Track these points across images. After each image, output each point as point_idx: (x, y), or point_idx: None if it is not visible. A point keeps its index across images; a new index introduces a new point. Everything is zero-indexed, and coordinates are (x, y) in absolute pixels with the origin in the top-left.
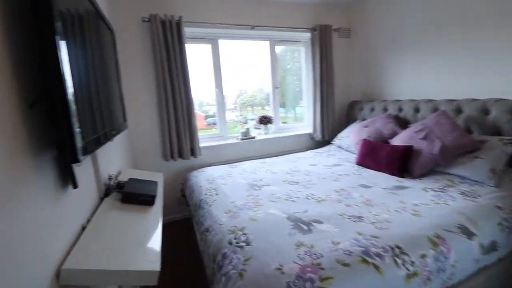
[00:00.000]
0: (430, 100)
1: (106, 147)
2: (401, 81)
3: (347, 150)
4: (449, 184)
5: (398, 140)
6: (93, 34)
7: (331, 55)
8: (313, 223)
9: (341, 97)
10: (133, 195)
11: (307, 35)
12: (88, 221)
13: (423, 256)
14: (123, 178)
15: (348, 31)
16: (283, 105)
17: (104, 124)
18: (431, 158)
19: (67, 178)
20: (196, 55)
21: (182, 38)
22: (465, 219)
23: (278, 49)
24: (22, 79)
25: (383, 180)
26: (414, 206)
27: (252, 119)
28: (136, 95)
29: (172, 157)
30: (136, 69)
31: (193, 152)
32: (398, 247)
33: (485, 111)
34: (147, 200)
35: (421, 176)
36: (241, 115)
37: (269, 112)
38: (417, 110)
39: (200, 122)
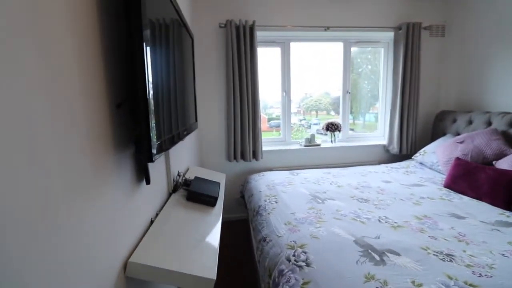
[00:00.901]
0: None
1: (178, 145)
2: (510, 89)
3: (431, 169)
4: None
5: (508, 163)
6: (175, 40)
7: (418, 57)
8: (387, 253)
9: (427, 105)
10: (197, 194)
11: (389, 35)
12: (157, 215)
13: None
14: (190, 175)
15: (442, 29)
16: (350, 111)
17: (178, 125)
18: None
19: (142, 174)
20: (266, 58)
21: (254, 42)
22: None
23: (352, 51)
24: (111, 81)
25: (482, 211)
26: None
27: (316, 124)
28: (207, 96)
29: (235, 158)
30: (209, 72)
31: (255, 155)
32: None
33: None
34: (209, 201)
35: None
36: (304, 119)
37: (335, 118)
38: None
39: (263, 124)
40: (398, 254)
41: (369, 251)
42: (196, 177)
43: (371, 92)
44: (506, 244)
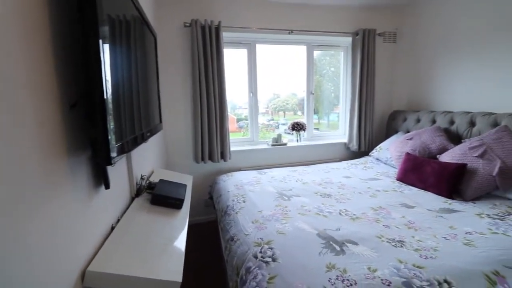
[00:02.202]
0: (489, 113)
1: (141, 147)
2: (453, 91)
3: (386, 164)
4: (509, 211)
5: (449, 157)
6: (136, 39)
7: (373, 61)
8: (346, 244)
9: (382, 106)
10: (162, 197)
11: (347, 40)
12: (118, 221)
13: None
14: (155, 178)
15: (393, 36)
16: (316, 111)
17: (141, 126)
18: (488, 179)
19: (101, 179)
20: (232, 59)
21: (220, 43)
22: None
23: (315, 53)
24: (65, 79)
25: (428, 200)
26: (466, 234)
27: (283, 124)
28: (172, 97)
29: (203, 159)
30: (174, 72)
31: (223, 156)
32: (447, 282)
33: None
34: (175, 204)
35: (475, 199)
36: (272, 120)
37: (301, 118)
38: (472, 123)
39: (232, 125)
40: (356, 244)
41: (331, 242)
42: (161, 180)
43: (334, 93)
44: (448, 229)
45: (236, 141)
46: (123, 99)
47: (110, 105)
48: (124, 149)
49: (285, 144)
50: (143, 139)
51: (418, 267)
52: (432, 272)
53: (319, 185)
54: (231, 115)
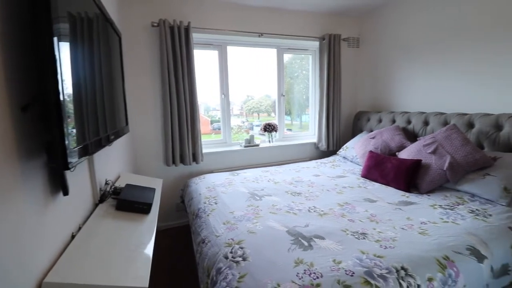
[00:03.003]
0: (440, 113)
1: (105, 151)
2: (410, 93)
3: (352, 161)
4: (458, 201)
5: (406, 154)
6: (99, 38)
7: (339, 65)
8: (314, 239)
9: (348, 107)
10: (128, 202)
11: (315, 44)
12: (79, 228)
13: (430, 280)
14: (121, 183)
15: (357, 41)
16: (289, 112)
17: (106, 128)
18: (440, 173)
19: (58, 185)
20: (204, 61)
21: (190, 44)
22: (476, 240)
23: (287, 56)
24: (17, 80)
25: (389, 194)
26: (421, 224)
27: (257, 125)
28: (141, 98)
29: (174, 162)
30: (142, 73)
31: (195, 158)
32: (404, 269)
33: (498, 127)
34: (142, 208)
35: (429, 192)
36: (247, 121)
37: (275, 119)
38: (426, 123)
39: (206, 127)
40: (323, 238)
41: (299, 238)
42: (127, 185)
43: (306, 95)
44: (406, 220)
45: (209, 143)
46: (84, 99)
47: (67, 107)
48: (85, 153)
49: (257, 145)
50: (108, 141)
51: (378, 256)
52: (390, 260)
53: (290, 184)
54: (204, 117)
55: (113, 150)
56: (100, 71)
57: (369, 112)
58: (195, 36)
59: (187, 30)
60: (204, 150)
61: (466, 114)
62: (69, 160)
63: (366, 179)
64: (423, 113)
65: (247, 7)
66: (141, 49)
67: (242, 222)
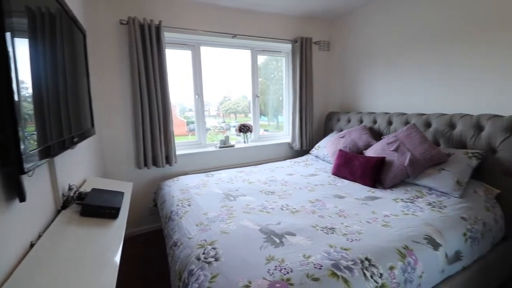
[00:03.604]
0: (402, 114)
1: (69, 154)
2: (376, 94)
3: (324, 160)
4: (417, 195)
5: (372, 152)
6: (62, 35)
7: (310, 67)
8: (285, 236)
9: (320, 107)
10: (94, 207)
11: (288, 46)
12: (39, 237)
13: (391, 268)
14: (87, 188)
15: (327, 44)
16: (266, 113)
17: (70, 129)
18: (401, 169)
19: (13, 190)
20: (178, 60)
21: (161, 43)
22: (432, 230)
23: (263, 58)
24: None
25: (356, 190)
26: (384, 217)
27: (235, 126)
28: (110, 99)
29: (146, 165)
30: (111, 72)
31: (168, 160)
32: (368, 259)
33: (452, 126)
34: (110, 213)
35: (393, 187)
36: (224, 122)
37: (251, 120)
38: (390, 122)
39: (182, 128)
40: (294, 235)
41: (271, 236)
42: (93, 189)
43: (282, 96)
44: (371, 214)
45: (183, 144)
46: (45, 99)
47: (25, 107)
48: (45, 156)
49: (232, 146)
50: (72, 144)
51: (345, 249)
52: (356, 252)
53: (264, 183)
54: (180, 118)
55: (78, 153)
56: (63, 70)
57: (339, 113)
58: (167, 36)
59: (158, 29)
60: (178, 152)
61: (424, 114)
62: (26, 164)
63: (336, 177)
64: (387, 113)
65: (220, 7)
66: (109, 48)
67: (216, 222)
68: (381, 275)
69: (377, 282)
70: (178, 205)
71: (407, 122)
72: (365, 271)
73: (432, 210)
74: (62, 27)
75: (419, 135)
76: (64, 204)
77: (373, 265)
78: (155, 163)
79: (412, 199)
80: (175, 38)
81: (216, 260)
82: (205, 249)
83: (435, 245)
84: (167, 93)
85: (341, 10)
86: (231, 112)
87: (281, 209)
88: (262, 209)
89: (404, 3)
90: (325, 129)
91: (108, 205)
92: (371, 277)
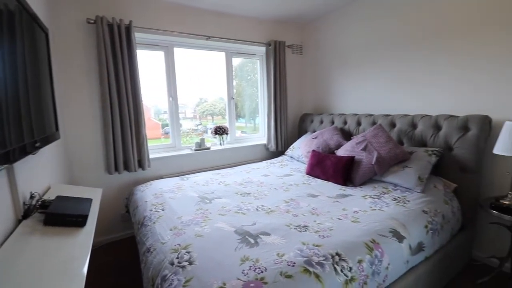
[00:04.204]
0: (370, 115)
1: (30, 160)
2: (346, 96)
3: (298, 160)
4: (384, 191)
5: (343, 151)
6: (22, 33)
7: (284, 70)
8: (260, 236)
9: (294, 109)
10: (59, 216)
11: (262, 49)
12: None
13: (360, 261)
14: (51, 196)
15: (300, 48)
16: (243, 115)
17: (32, 134)
18: (369, 168)
19: None
20: (152, 62)
21: (132, 44)
22: (397, 223)
23: (239, 60)
24: None
25: (329, 189)
26: (354, 214)
27: (211, 129)
28: (77, 101)
29: (117, 169)
30: (78, 73)
31: (141, 164)
32: (338, 254)
33: (414, 125)
34: (76, 221)
35: (362, 184)
36: (201, 124)
37: (227, 122)
38: (359, 123)
39: (156, 131)
40: (268, 234)
41: (246, 237)
42: (58, 197)
43: (259, 98)
44: (342, 210)
45: (157, 147)
46: (3, 101)
47: None
48: (2, 162)
49: (208, 148)
50: (33, 149)
51: (317, 246)
52: (327, 248)
53: (240, 185)
54: (155, 120)
55: (41, 158)
56: (23, 69)
57: (313, 114)
58: (139, 36)
59: (128, 29)
60: (152, 155)
61: (389, 115)
62: None
63: (310, 176)
64: (357, 114)
65: (194, 9)
66: (75, 48)
67: (190, 226)
68: (350, 269)
69: (347, 276)
70: (151, 210)
71: (374, 123)
72: (335, 265)
73: (397, 205)
74: (22, 25)
75: (385, 135)
76: (26, 213)
77: (343, 260)
78: (127, 167)
79: (379, 195)
80: (147, 38)
81: (190, 263)
82: (179, 254)
83: (400, 238)
84: (139, 95)
85: (313, 15)
86: (208, 114)
87: (257, 209)
88: (237, 210)
89: (371, 12)
90: (300, 130)
91: (74, 212)
92: (341, 271)
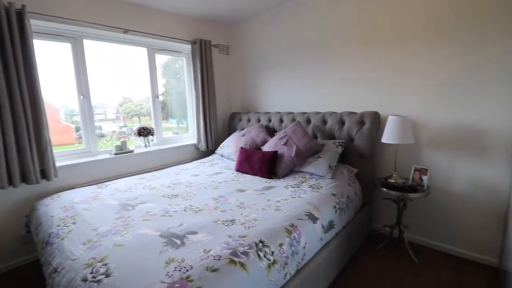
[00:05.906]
0: (290, 112)
1: None
2: (270, 96)
3: (228, 158)
4: (302, 180)
5: (267, 147)
6: None
7: (211, 69)
8: (187, 236)
9: (223, 108)
10: None
11: (187, 47)
12: None
13: (280, 245)
14: None
15: (227, 48)
16: (173, 115)
17: None
18: (290, 160)
19: None
20: (59, 55)
21: (26, 32)
22: (312, 207)
23: (166, 57)
24: None
25: (256, 183)
26: (277, 203)
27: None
28: None
29: (11, 183)
30: None
31: (45, 174)
32: (261, 241)
33: (324, 121)
34: None
35: (285, 176)
36: (126, 126)
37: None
38: (281, 120)
39: (69, 135)
40: (195, 233)
41: (172, 238)
42: None
43: (187, 97)
44: (266, 201)
45: (68, 153)
46: None
47: None
48: None
49: (131, 151)
50: None
51: (242, 236)
52: (252, 237)
53: (168, 187)
54: (65, 123)
55: None
56: None
57: (241, 113)
58: (37, 24)
59: (20, 15)
60: (61, 163)
61: (306, 113)
62: None
63: (239, 173)
64: (279, 112)
65: None
66: None
67: (108, 237)
68: (272, 253)
69: (269, 260)
70: (59, 226)
71: (293, 120)
72: (259, 252)
73: (312, 191)
74: None
75: (302, 130)
76: None
77: (266, 246)
78: (25, 179)
79: (298, 184)
80: (48, 27)
81: (107, 276)
82: (93, 268)
83: (314, 219)
84: (38, 92)
85: (237, 16)
86: (134, 115)
87: (184, 210)
88: (164, 213)
89: (287, 21)
90: (229, 129)
91: None
92: (264, 256)
